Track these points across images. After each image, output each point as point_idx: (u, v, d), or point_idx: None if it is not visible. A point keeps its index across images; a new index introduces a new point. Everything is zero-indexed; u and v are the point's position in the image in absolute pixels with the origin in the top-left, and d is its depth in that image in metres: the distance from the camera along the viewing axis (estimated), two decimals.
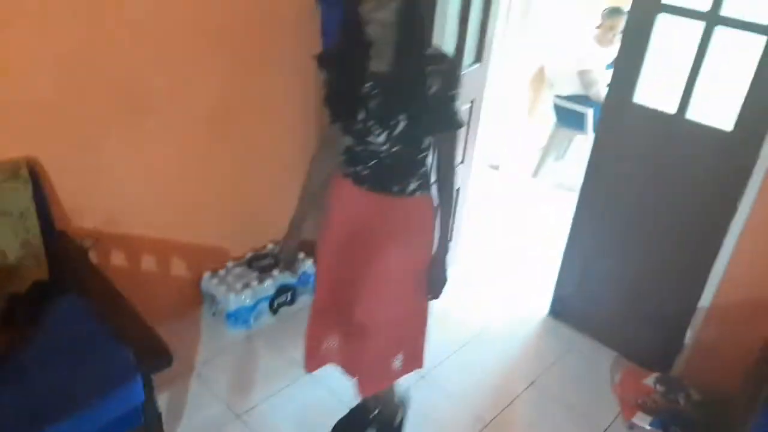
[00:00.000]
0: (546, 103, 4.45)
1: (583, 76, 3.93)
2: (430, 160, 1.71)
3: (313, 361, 1.99)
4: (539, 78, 4.26)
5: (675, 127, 2.21)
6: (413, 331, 1.93)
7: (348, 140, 1.67)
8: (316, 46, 2.64)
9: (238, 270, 2.68)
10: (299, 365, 2.05)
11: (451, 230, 1.76)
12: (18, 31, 1.85)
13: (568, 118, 4.12)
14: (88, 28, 1.97)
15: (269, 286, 2.66)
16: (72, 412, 1.66)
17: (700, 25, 2.07)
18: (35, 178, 1.97)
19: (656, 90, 2.31)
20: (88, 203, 2.21)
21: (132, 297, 1.93)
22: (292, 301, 2.77)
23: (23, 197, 1.94)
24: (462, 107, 1.58)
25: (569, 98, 4.03)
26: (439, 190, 1.72)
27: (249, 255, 2.78)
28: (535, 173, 4.32)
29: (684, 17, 2.12)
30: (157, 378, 1.82)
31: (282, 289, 2.71)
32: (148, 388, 1.80)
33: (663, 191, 2.33)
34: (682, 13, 2.12)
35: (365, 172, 1.68)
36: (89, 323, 1.91)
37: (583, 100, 3.98)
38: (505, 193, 4.05)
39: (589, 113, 3.94)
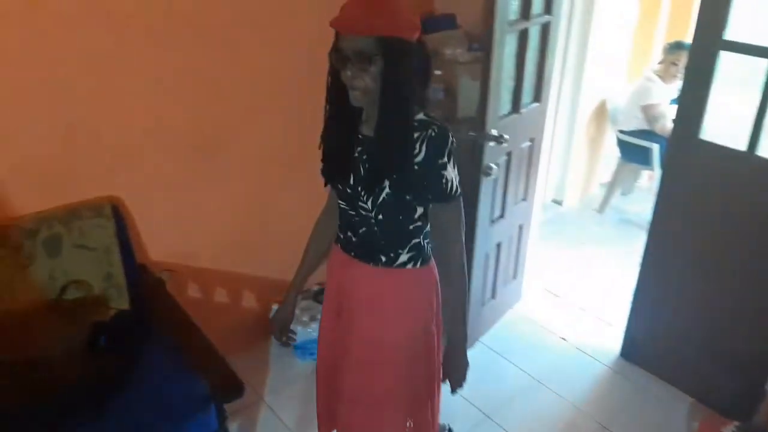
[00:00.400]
0: (610, 138, 4.40)
1: (647, 110, 3.87)
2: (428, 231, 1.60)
3: (323, 427, 1.90)
4: (601, 113, 4.23)
5: (746, 165, 2.15)
6: (418, 420, 1.74)
7: (342, 204, 1.60)
8: None
9: (304, 303, 2.75)
10: None
11: (465, 313, 1.61)
12: (109, 86, 2.03)
13: (633, 153, 4.05)
14: (166, 84, 2.15)
15: None
16: None
17: (764, 61, 2.02)
18: (118, 215, 2.11)
19: (724, 126, 2.26)
20: (165, 239, 2.34)
21: (204, 327, 2.02)
22: None
23: (107, 233, 2.08)
24: (454, 178, 1.46)
25: (633, 133, 3.97)
26: (442, 268, 1.61)
27: (315, 288, 2.85)
28: (601, 209, 4.24)
29: (746, 54, 2.07)
30: (228, 407, 1.88)
31: None
32: (221, 417, 1.87)
33: (737, 229, 2.26)
34: (744, 50, 2.08)
35: (354, 240, 1.60)
36: (166, 354, 2.01)
37: (648, 134, 3.91)
38: (570, 229, 4.00)
39: (655, 148, 3.86)
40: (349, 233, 1.61)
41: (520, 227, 2.90)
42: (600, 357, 2.82)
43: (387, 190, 1.46)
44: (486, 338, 2.88)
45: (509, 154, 2.56)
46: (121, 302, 2.13)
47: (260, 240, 2.62)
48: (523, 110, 2.57)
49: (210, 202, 2.42)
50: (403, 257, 1.57)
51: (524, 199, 2.84)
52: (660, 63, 3.98)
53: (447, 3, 2.82)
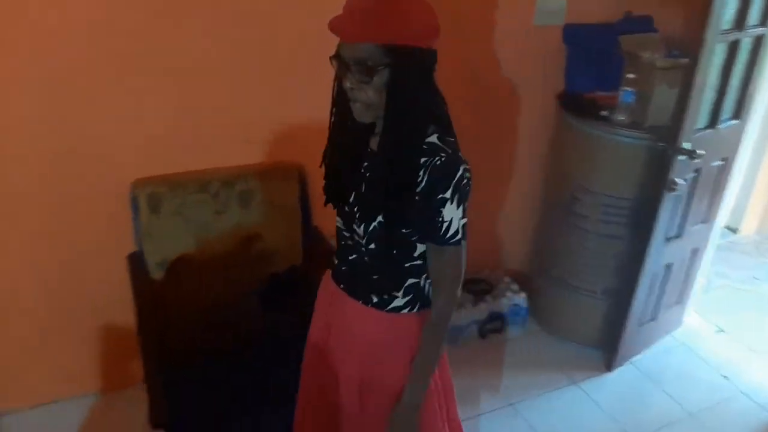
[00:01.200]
0: None
1: None
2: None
3: None
4: None
5: None
6: None
7: (339, 222, 1.40)
8: (560, 85, 2.69)
9: None
10: (494, 392, 2.13)
11: (430, 374, 1.35)
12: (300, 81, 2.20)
13: None
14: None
15: (482, 311, 2.73)
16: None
17: None
18: (303, 179, 2.27)
19: None
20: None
21: None
22: (501, 330, 2.81)
23: (293, 195, 2.25)
24: (456, 219, 1.21)
25: None
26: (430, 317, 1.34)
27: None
28: None
29: None
30: None
31: (493, 316, 2.75)
32: None
33: None
34: None
35: (344, 268, 1.40)
36: None
37: None
38: (745, 260, 3.67)
39: None
40: (341, 260, 1.42)
41: (694, 251, 2.72)
42: (767, 405, 2.58)
43: (380, 218, 1.25)
44: (638, 360, 2.74)
45: (698, 171, 2.40)
46: (294, 259, 2.30)
47: None
48: (720, 126, 2.40)
49: None
50: (399, 301, 1.34)
51: (704, 222, 2.66)
52: None
53: (644, 4, 2.69)
